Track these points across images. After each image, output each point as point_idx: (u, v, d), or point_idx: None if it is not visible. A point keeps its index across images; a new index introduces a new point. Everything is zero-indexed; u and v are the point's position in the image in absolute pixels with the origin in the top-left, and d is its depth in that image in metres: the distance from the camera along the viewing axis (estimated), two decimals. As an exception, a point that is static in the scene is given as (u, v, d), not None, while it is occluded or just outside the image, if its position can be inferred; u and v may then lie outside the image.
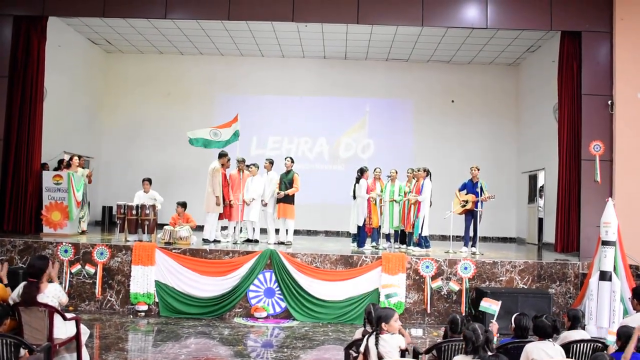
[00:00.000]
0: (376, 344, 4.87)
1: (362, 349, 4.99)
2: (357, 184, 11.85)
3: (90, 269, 10.20)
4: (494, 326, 5.58)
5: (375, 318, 5.07)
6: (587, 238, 10.96)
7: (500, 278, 10.22)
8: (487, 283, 10.17)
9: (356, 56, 16.98)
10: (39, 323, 5.94)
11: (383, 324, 4.96)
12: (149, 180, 12.23)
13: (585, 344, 5.66)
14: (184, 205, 11.71)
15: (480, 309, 6.07)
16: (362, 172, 11.86)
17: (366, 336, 5.04)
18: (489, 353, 4.56)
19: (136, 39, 16.18)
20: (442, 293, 10.20)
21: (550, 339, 5.19)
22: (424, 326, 9.94)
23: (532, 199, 15.89)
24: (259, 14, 12.23)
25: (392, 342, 4.90)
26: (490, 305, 5.94)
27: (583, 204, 11.43)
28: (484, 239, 16.05)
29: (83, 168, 12.80)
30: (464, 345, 4.85)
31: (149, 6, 12.13)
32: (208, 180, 11.52)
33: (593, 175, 11.42)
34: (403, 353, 5.09)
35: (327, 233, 16.65)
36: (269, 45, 16.20)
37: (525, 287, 10.15)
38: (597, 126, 11.52)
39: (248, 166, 12.26)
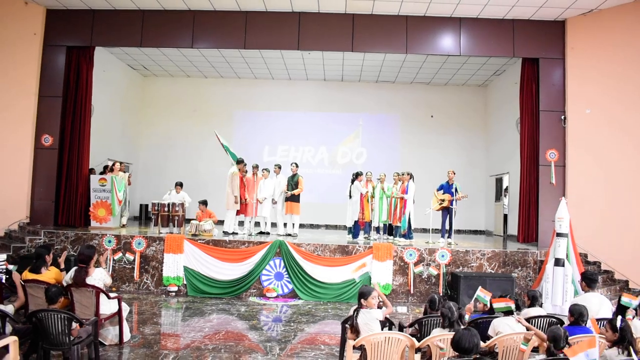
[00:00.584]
0: (356, 316, 4.92)
1: (351, 322, 5.03)
2: (352, 185, 11.85)
3: (129, 256, 10.22)
4: (469, 307, 5.61)
5: (358, 294, 5.11)
6: (544, 231, 11.04)
7: (472, 264, 10.23)
8: (461, 268, 10.18)
9: (351, 78, 16.97)
10: (88, 301, 5.99)
11: (362, 300, 5.01)
12: (181, 184, 12.25)
13: (543, 319, 5.69)
14: (204, 203, 11.75)
15: (475, 296, 6.08)
16: (356, 175, 11.86)
17: (354, 312, 5.08)
18: (462, 327, 4.59)
19: (167, 65, 16.20)
20: (423, 277, 10.21)
21: (512, 315, 5.22)
22: (408, 304, 9.94)
23: (498, 197, 15.87)
24: (270, 44, 12.25)
25: (369, 315, 4.96)
26: (485, 296, 5.98)
27: (541, 202, 11.46)
28: (458, 231, 16.07)
29: (124, 172, 12.81)
30: (441, 320, 4.89)
31: (178, 38, 12.17)
32: (228, 182, 11.54)
33: (549, 178, 11.48)
34: (384, 323, 5.14)
35: (327, 227, 16.63)
36: (278, 69, 16.20)
37: (493, 271, 10.15)
38: (552, 137, 11.57)
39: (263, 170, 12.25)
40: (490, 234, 16.27)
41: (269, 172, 12.06)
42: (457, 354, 3.90)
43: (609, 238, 10.92)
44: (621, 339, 4.40)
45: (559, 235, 9.15)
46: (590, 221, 10.98)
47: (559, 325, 4.90)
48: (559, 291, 8.92)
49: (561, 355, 4.06)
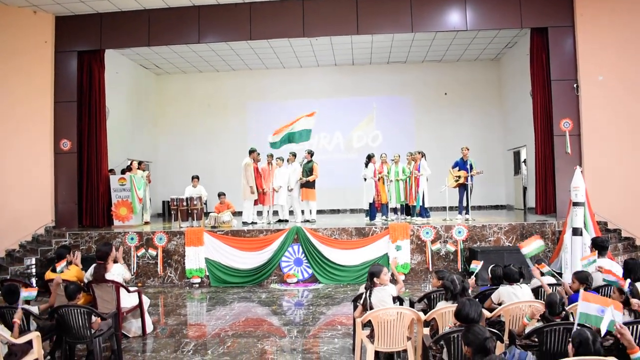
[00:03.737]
0: (370, 296, 5.01)
1: (361, 301, 5.14)
2: (365, 168, 11.93)
3: (152, 251, 10.49)
4: (471, 280, 5.67)
5: (368, 275, 5.20)
6: (562, 201, 10.92)
7: (489, 239, 10.25)
8: (478, 243, 10.21)
9: (361, 62, 16.97)
10: (109, 296, 6.23)
11: (375, 279, 5.09)
12: (197, 177, 12.45)
13: (551, 287, 5.73)
14: (223, 194, 11.94)
15: (470, 269, 6.24)
16: (369, 158, 11.92)
17: (365, 291, 5.18)
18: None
19: (179, 62, 16.42)
20: (441, 254, 10.27)
21: (518, 283, 5.26)
22: (427, 282, 10.02)
23: (517, 171, 15.76)
24: (275, 33, 12.34)
25: (383, 292, 5.03)
26: (477, 266, 6.15)
27: (557, 172, 11.38)
28: (479, 207, 16.06)
29: (143, 171, 13.09)
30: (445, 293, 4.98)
31: (185, 34, 12.33)
32: (242, 173, 11.74)
33: (564, 148, 11.36)
34: (396, 299, 5.23)
35: (347, 211, 16.73)
36: (288, 58, 16.27)
37: (510, 245, 10.15)
38: (565, 106, 11.44)
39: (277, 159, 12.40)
40: (512, 208, 16.17)
41: (284, 160, 12.19)
42: (459, 323, 3.99)
43: (629, 205, 10.83)
44: (627, 301, 4.43)
45: (575, 204, 9.05)
46: (608, 189, 10.88)
47: (556, 291, 4.94)
48: (578, 260, 8.88)
49: (557, 320, 4.12)
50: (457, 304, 4.26)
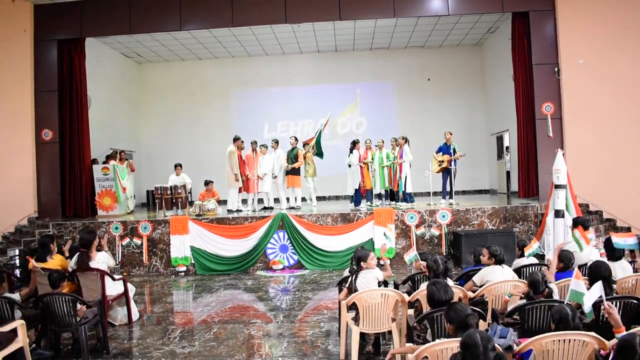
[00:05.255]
0: (355, 279, 5.04)
1: (347, 284, 5.17)
2: (350, 154, 11.95)
3: (137, 241, 10.46)
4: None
5: (355, 260, 5.23)
6: (545, 184, 11.00)
7: (473, 222, 10.35)
8: (462, 227, 10.30)
9: (345, 48, 16.90)
10: (93, 284, 6.20)
11: (362, 263, 5.11)
12: (180, 165, 12.39)
13: (533, 267, 5.82)
14: (210, 182, 11.87)
15: (408, 260, 6.31)
16: (354, 144, 11.94)
17: (352, 275, 5.21)
18: (447, 280, 4.73)
19: (161, 50, 16.23)
20: (426, 238, 10.36)
21: (501, 265, 5.32)
22: (412, 266, 10.06)
23: (500, 155, 15.88)
24: (258, 19, 12.24)
25: (370, 275, 5.06)
26: (412, 255, 6.17)
27: (539, 156, 11.47)
28: (463, 192, 16.18)
29: (126, 160, 12.96)
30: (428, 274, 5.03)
31: (167, 21, 12.16)
32: (226, 161, 11.70)
33: (546, 131, 11.46)
34: (381, 283, 5.27)
35: (332, 197, 16.75)
36: (271, 45, 16.14)
37: (494, 228, 10.27)
38: (547, 90, 11.52)
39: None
40: (495, 193, 16.30)
41: (267, 147, 12.16)
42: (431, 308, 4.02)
43: (610, 187, 10.98)
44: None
45: (557, 187, 9.16)
46: (590, 171, 11.02)
47: (538, 271, 5.01)
48: (560, 242, 9.00)
49: (541, 298, 4.19)
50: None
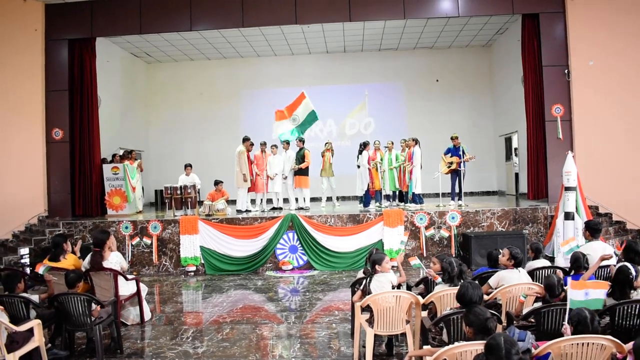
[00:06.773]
0: (369, 283, 5.04)
1: (361, 287, 5.17)
2: (360, 155, 11.95)
3: (147, 240, 10.50)
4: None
5: (370, 262, 5.23)
6: (554, 186, 11.00)
7: (482, 224, 10.33)
8: (472, 229, 10.29)
9: (353, 49, 16.91)
10: (107, 284, 6.21)
11: (377, 266, 5.11)
12: (190, 166, 12.44)
13: (546, 270, 5.80)
14: (220, 182, 11.87)
15: (413, 266, 6.27)
16: (364, 145, 11.94)
17: (366, 277, 5.21)
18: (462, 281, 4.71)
19: (170, 50, 16.28)
20: (435, 239, 10.35)
21: (519, 268, 5.29)
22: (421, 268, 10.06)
23: (508, 157, 15.85)
24: (268, 20, 12.27)
25: (384, 279, 5.05)
26: (416, 262, 6.16)
27: (549, 158, 11.44)
28: (472, 193, 16.15)
29: (135, 160, 13.01)
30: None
31: (177, 21, 12.21)
32: (235, 161, 11.72)
33: (556, 133, 11.43)
34: (394, 287, 5.26)
35: (341, 198, 16.69)
36: (279, 45, 16.18)
37: (504, 230, 10.24)
38: (557, 92, 11.49)
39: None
40: (503, 194, 16.28)
41: (277, 148, 12.18)
42: (460, 306, 4.02)
43: (619, 189, 10.94)
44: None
45: (567, 189, 9.15)
46: (600, 173, 10.99)
47: (554, 273, 4.99)
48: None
49: (557, 302, 4.18)
50: (457, 287, 4.27)
